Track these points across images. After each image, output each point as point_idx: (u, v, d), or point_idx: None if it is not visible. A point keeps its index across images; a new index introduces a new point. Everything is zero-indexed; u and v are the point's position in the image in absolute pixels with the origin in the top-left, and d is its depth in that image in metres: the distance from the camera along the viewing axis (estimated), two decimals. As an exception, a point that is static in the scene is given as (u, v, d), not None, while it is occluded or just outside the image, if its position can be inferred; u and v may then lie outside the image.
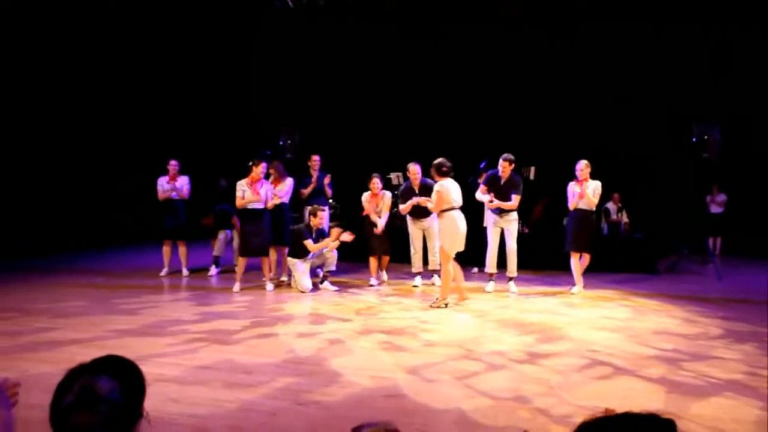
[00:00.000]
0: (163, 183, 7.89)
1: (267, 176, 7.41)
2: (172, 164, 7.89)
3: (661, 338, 4.89)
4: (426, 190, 7.58)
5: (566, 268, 7.24)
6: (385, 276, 7.87)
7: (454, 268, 6.18)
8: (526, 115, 11.10)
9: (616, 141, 10.52)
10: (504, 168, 7.13)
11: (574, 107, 11.09)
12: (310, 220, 7.16)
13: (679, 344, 4.71)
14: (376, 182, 7.63)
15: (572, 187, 6.99)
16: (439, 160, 6.23)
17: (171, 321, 5.39)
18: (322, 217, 7.16)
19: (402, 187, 7.77)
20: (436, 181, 6.27)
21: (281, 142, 11.22)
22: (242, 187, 6.98)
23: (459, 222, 6.13)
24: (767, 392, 3.58)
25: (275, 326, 5.26)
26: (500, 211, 7.12)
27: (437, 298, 6.21)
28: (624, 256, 8.61)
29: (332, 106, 12.13)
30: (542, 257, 8.62)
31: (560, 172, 8.10)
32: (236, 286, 7.00)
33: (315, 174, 8.02)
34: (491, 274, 7.26)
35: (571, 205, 7.00)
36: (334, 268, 7.25)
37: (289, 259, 7.21)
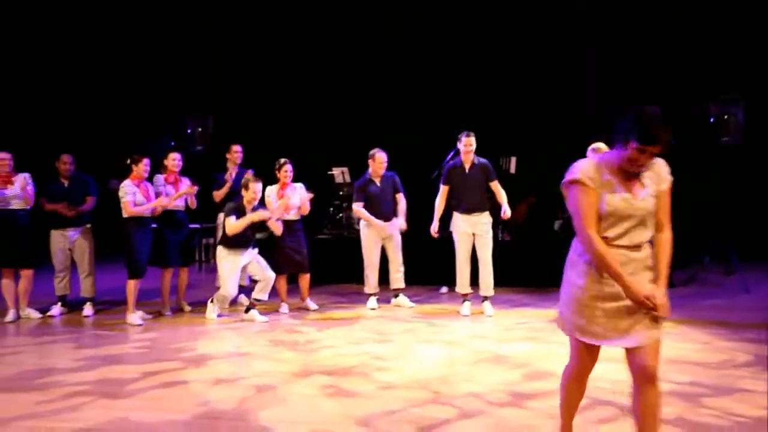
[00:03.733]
0: None
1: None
2: (2, 158, 7.06)
3: (677, 369, 5.02)
4: (390, 185, 7.63)
5: (555, 284, 7.35)
6: (311, 304, 7.73)
7: None
8: (502, 95, 11.27)
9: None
10: (466, 149, 7.18)
11: (564, 83, 11.33)
12: (242, 196, 7.08)
13: (699, 375, 4.85)
14: (287, 170, 7.52)
15: None
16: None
17: (41, 371, 5.21)
18: (256, 190, 7.03)
19: (360, 186, 7.77)
20: None
21: (189, 130, 11.07)
22: (131, 188, 6.93)
23: None
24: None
25: (185, 371, 5.16)
26: (469, 212, 7.19)
27: None
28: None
29: (255, 85, 12.05)
30: (527, 271, 8.76)
31: (549, 163, 8.26)
32: (134, 317, 6.92)
33: (234, 170, 7.93)
34: (465, 295, 7.34)
35: None
36: (265, 297, 7.16)
37: (218, 250, 7.19)
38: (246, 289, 7.85)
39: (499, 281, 7.48)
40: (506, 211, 7.21)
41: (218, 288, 7.26)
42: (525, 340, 6.14)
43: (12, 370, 5.23)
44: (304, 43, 11.79)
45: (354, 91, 11.71)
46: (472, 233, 7.24)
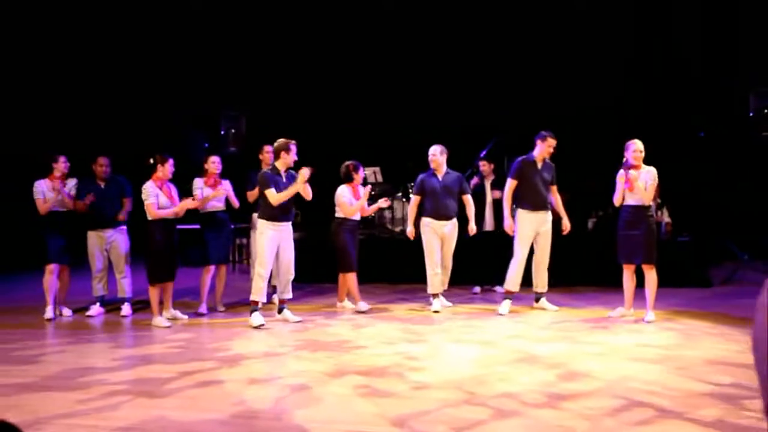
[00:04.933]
0: (44, 189, 7.36)
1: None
2: (62, 161, 7.44)
3: (716, 370, 4.96)
4: (455, 184, 7.60)
5: (589, 283, 7.33)
6: (350, 303, 7.78)
7: None
8: (531, 89, 11.20)
9: (651, 118, 10.66)
10: (549, 150, 7.23)
11: (595, 75, 11.20)
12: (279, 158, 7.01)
13: (740, 377, 4.78)
14: (361, 172, 7.60)
15: (620, 177, 6.80)
16: None
17: (81, 369, 5.32)
18: (295, 154, 6.92)
19: (419, 180, 7.68)
20: None
21: (223, 132, 11.22)
22: (154, 190, 6.84)
23: None
24: None
25: (220, 371, 5.22)
26: (537, 209, 7.20)
27: None
28: (667, 266, 8.76)
29: (287, 86, 12.12)
30: (561, 270, 8.71)
31: (580, 161, 8.21)
32: (160, 320, 6.94)
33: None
34: (511, 292, 7.33)
35: (616, 200, 6.86)
36: (290, 295, 7.21)
37: (258, 224, 7.02)
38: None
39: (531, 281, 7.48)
40: (566, 225, 7.36)
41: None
42: (559, 340, 6.11)
43: (53, 369, 5.36)
44: (337, 43, 11.85)
45: (387, 91, 11.73)
46: (536, 232, 7.25)
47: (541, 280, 7.41)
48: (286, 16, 11.84)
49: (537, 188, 7.22)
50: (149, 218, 6.87)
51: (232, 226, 8.10)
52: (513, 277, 7.29)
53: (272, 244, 6.87)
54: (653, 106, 10.93)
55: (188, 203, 7.10)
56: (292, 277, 7.12)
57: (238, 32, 12.05)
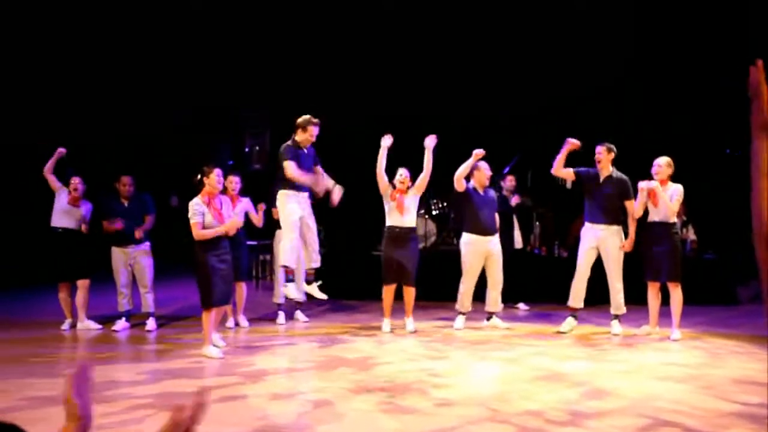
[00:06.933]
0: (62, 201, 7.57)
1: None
2: (75, 182, 7.56)
3: (743, 389, 4.90)
4: (495, 199, 7.48)
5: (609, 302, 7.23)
6: (411, 325, 7.40)
7: None
8: (533, 89, 11.12)
9: (678, 135, 10.57)
10: (603, 160, 7.00)
11: (618, 89, 11.13)
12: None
13: (768, 396, 4.71)
14: (403, 173, 7.28)
15: (641, 189, 6.79)
16: None
17: (106, 383, 5.35)
18: (313, 133, 6.64)
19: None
20: None
21: (247, 149, 11.32)
22: (200, 208, 6.12)
23: None
24: None
25: (243, 386, 5.25)
26: (592, 222, 7.01)
27: None
28: (693, 283, 8.64)
29: (312, 101, 12.17)
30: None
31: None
32: (211, 350, 6.31)
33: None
34: (575, 309, 7.17)
35: (636, 212, 6.87)
36: (318, 264, 6.93)
37: (279, 196, 6.68)
38: (284, 307, 7.93)
39: (557, 298, 7.40)
40: (624, 244, 6.94)
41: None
42: (583, 358, 6.07)
43: (79, 383, 5.40)
44: (368, 58, 11.86)
45: (411, 103, 11.74)
46: (596, 247, 7.01)
47: (613, 301, 7.05)
48: (313, 28, 11.88)
49: (594, 201, 7.00)
50: (195, 239, 6.16)
51: (254, 242, 8.11)
52: (572, 293, 7.12)
53: (296, 208, 6.53)
54: (683, 125, 10.82)
55: (237, 222, 6.62)
56: (317, 246, 6.82)
57: (262, 44, 12.10)
